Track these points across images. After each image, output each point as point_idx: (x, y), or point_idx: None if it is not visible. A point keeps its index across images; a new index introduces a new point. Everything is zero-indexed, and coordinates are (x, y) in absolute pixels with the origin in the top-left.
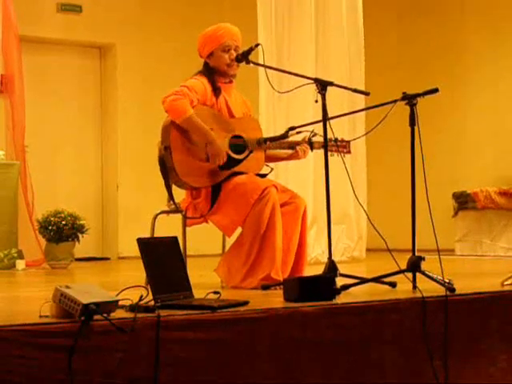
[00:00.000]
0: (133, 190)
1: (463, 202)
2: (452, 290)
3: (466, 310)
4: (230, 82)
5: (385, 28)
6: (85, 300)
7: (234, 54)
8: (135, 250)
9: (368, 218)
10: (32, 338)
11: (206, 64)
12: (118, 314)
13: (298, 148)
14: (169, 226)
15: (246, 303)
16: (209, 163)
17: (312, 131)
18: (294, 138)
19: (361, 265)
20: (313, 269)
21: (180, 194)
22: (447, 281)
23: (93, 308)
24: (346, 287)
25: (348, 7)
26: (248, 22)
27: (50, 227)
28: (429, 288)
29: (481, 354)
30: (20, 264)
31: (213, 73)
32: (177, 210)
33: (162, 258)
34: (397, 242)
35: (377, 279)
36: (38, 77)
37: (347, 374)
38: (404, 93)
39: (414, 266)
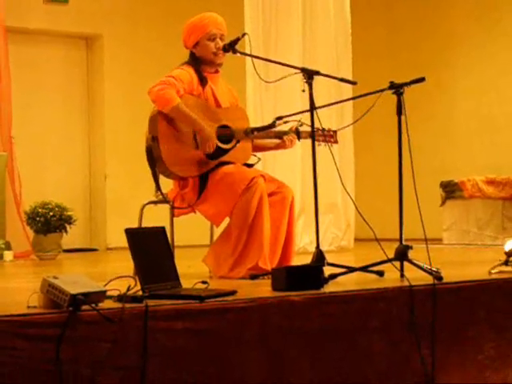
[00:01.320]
0: (121, 181)
1: (450, 191)
2: (439, 278)
3: (454, 298)
4: (217, 71)
5: (372, 17)
6: (73, 290)
7: (220, 43)
8: (123, 241)
9: (356, 207)
10: (20, 329)
11: (192, 54)
12: (106, 304)
13: (285, 138)
14: (157, 217)
15: (233, 293)
16: (196, 152)
17: (299, 121)
18: (281, 127)
19: (349, 254)
20: (301, 258)
21: (168, 185)
22: (435, 269)
23: (81, 298)
24: (333, 276)
25: None
26: (235, 13)
27: (37, 218)
28: (416, 277)
29: (468, 342)
30: (8, 255)
31: (199, 62)
32: (164, 201)
33: (150, 249)
34: (384, 231)
35: (364, 268)
36: (25, 68)
37: (335, 363)
38: (391, 82)
39: (402, 254)
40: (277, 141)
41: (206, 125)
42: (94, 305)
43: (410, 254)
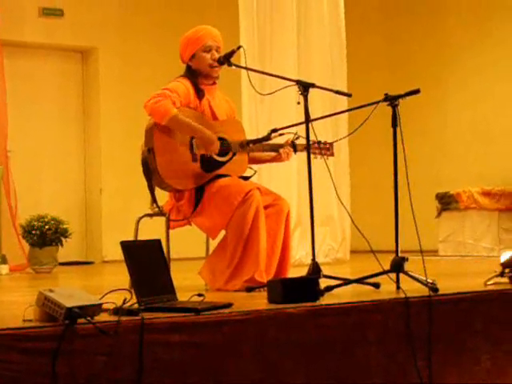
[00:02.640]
0: (116, 194)
1: (446, 202)
2: (435, 290)
3: (450, 309)
4: (214, 83)
5: (367, 29)
6: (68, 303)
7: (216, 55)
8: (119, 254)
9: (351, 219)
10: (16, 342)
11: (188, 67)
12: (102, 317)
13: (281, 151)
14: (152, 229)
15: (229, 305)
16: (193, 165)
17: (295, 134)
18: (277, 140)
19: (345, 266)
20: (297, 270)
21: (163, 197)
22: (430, 281)
23: (76, 311)
24: (329, 288)
25: (330, 8)
26: (230, 25)
27: (33, 232)
28: (412, 288)
29: (464, 353)
30: (3, 269)
31: (195, 75)
32: (160, 213)
33: (146, 261)
34: (380, 243)
35: (360, 280)
36: (20, 81)
37: (332, 375)
38: (386, 94)
39: (398, 266)
40: (273, 153)
41: (205, 129)
42: (89, 318)
43: (406, 266)
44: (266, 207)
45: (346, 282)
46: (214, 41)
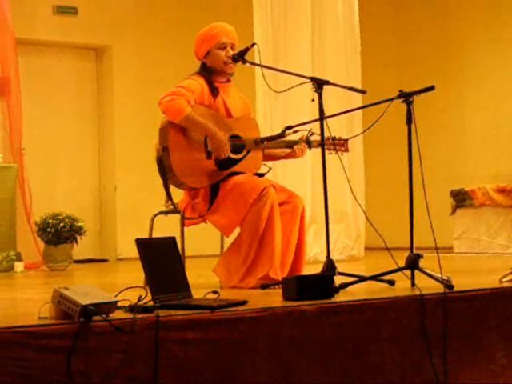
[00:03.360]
0: (130, 192)
1: (461, 199)
2: (450, 287)
3: (465, 307)
4: (228, 80)
5: (381, 26)
6: (84, 301)
7: (231, 52)
8: (134, 251)
9: (366, 216)
10: (31, 340)
11: (203, 64)
12: (117, 314)
13: (295, 147)
14: (167, 227)
15: (244, 303)
16: (207, 162)
17: (310, 130)
18: (291, 137)
19: (359, 263)
20: (311, 268)
21: (178, 195)
22: (445, 278)
23: (92, 309)
24: (344, 286)
25: (344, 5)
26: (244, 22)
27: (48, 229)
28: (427, 285)
29: (480, 350)
30: (18, 266)
31: (210, 73)
32: (175, 211)
33: (161, 259)
34: (395, 240)
35: (375, 277)
36: (35, 79)
37: (346, 372)
38: (400, 91)
39: (413, 263)
40: (287, 150)
41: (218, 131)
42: (105, 315)
43: (421, 263)
44: (280, 204)
45: (361, 279)
46: (229, 38)
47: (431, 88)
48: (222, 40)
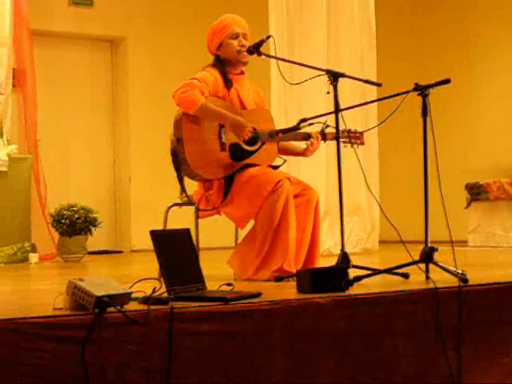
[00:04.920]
0: (145, 183)
1: (476, 193)
2: (465, 280)
3: (480, 300)
4: (242, 73)
5: (397, 18)
6: (98, 292)
7: (243, 41)
8: (148, 243)
9: (381, 209)
10: (46, 331)
11: (216, 57)
12: (132, 306)
13: (311, 140)
14: (181, 219)
15: (259, 295)
16: (222, 154)
17: (325, 122)
18: (305, 129)
19: (373, 256)
20: (325, 261)
21: (192, 186)
22: (460, 271)
23: (106, 300)
24: (358, 278)
25: None
26: (259, 14)
27: (62, 221)
28: (442, 279)
29: (494, 344)
30: (33, 257)
31: (224, 64)
32: (189, 203)
33: (175, 251)
34: (409, 233)
35: (389, 270)
36: (50, 71)
37: (361, 365)
38: (416, 84)
39: (427, 256)
40: (301, 147)
41: (235, 115)
42: (119, 307)
43: (436, 256)
44: (295, 197)
45: (375, 272)
46: (240, 27)
47: (447, 81)
48: (234, 30)
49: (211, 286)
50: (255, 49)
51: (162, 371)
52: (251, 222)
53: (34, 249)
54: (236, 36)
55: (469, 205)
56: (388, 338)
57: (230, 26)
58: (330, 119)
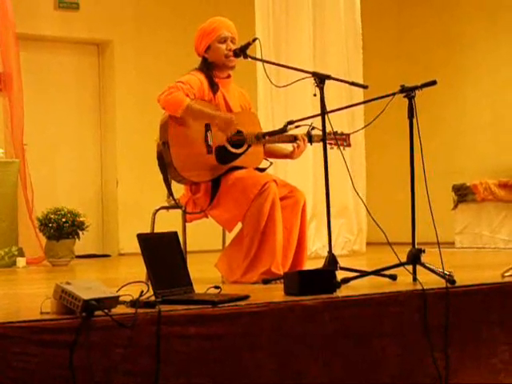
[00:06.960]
0: (132, 187)
1: (463, 194)
2: (452, 281)
3: (467, 301)
4: (229, 76)
5: (382, 19)
6: (85, 296)
7: (231, 45)
8: (136, 247)
9: (368, 211)
10: (33, 335)
11: (203, 60)
12: (119, 309)
13: (297, 142)
14: (169, 222)
15: (246, 297)
16: (208, 157)
17: (311, 125)
18: (292, 132)
19: (361, 258)
20: (313, 263)
21: (180, 190)
22: (447, 273)
23: (93, 304)
24: (346, 280)
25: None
26: (245, 17)
27: (50, 224)
28: (429, 280)
29: (482, 345)
30: (20, 262)
31: (211, 68)
32: (176, 206)
33: (163, 254)
34: (397, 235)
35: (377, 272)
36: (36, 74)
37: (348, 367)
38: (402, 85)
39: (414, 258)
40: (288, 149)
41: (220, 112)
42: (106, 310)
43: (423, 258)
44: (281, 199)
45: (363, 274)
46: (229, 31)
47: (433, 83)
48: (223, 34)
49: (199, 288)
50: (241, 51)
51: (150, 374)
52: (239, 225)
53: (21, 253)
54: (224, 40)
55: (456, 206)
56: (376, 339)
57: (219, 29)
58: (317, 121)
